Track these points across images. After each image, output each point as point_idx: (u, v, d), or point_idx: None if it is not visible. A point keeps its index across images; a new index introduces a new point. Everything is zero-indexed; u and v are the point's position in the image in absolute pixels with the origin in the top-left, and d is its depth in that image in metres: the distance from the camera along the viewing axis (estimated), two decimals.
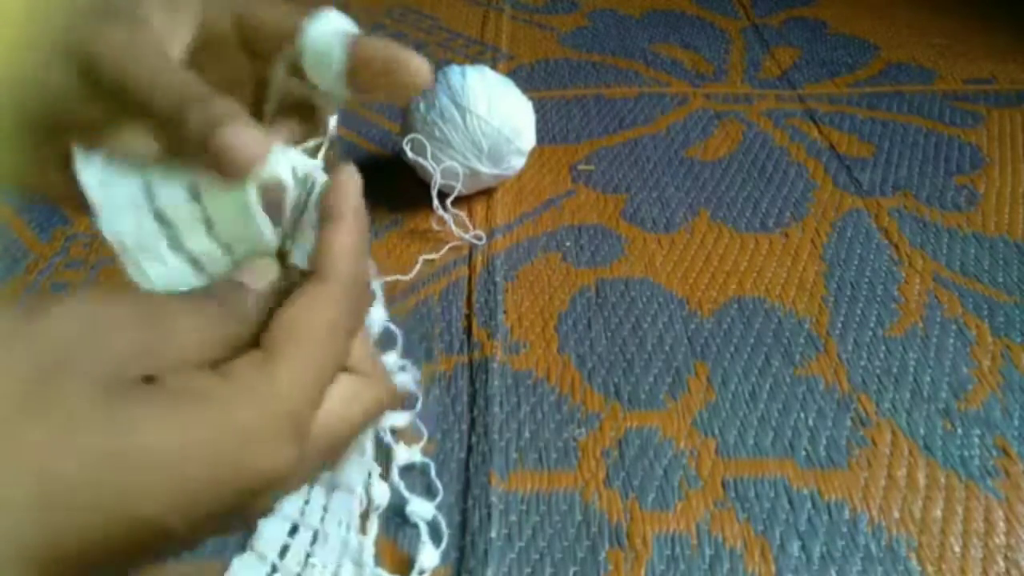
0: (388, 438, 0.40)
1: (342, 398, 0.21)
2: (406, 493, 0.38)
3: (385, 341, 0.33)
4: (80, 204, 0.22)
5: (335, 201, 0.21)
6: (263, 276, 0.21)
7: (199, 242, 0.21)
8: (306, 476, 0.21)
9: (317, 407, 0.20)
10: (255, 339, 0.19)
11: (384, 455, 0.40)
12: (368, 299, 0.22)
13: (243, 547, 0.35)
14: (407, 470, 0.40)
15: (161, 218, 0.20)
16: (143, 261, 0.20)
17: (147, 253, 0.20)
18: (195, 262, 0.21)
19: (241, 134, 0.19)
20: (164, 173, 0.20)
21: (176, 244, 0.20)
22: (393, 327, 0.35)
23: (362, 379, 0.22)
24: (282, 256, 0.22)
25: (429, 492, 0.39)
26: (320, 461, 0.21)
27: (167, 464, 0.16)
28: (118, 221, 0.20)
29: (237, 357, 0.19)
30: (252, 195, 0.20)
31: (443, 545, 0.36)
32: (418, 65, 0.22)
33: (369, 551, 0.35)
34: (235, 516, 0.19)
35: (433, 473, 0.39)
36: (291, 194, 0.21)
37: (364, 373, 0.22)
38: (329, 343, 0.20)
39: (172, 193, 0.20)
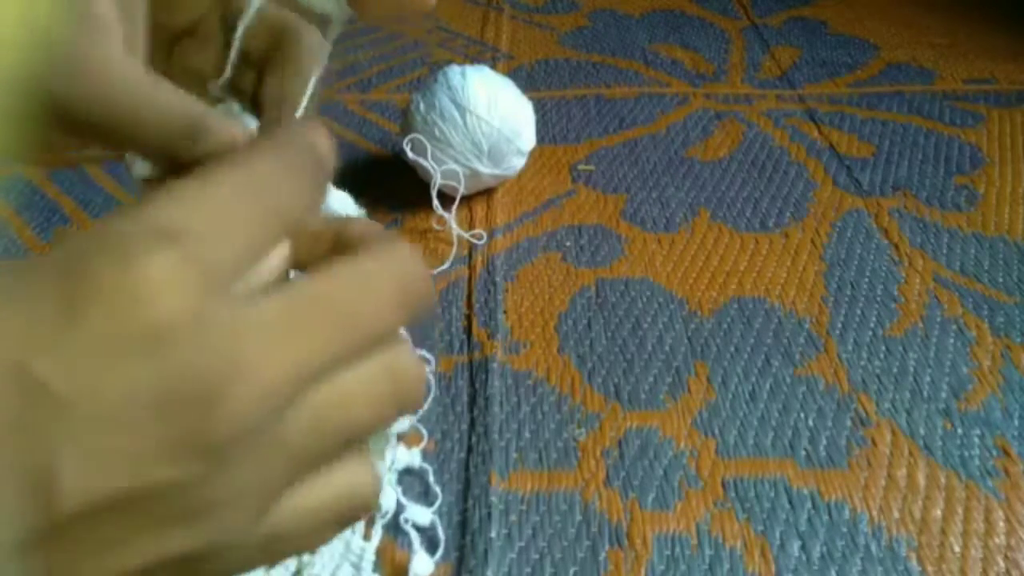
0: (392, 441, 0.40)
1: (343, 267, 0.16)
2: (403, 499, 0.38)
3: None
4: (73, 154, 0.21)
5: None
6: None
7: None
8: (287, 365, 0.15)
9: (231, 250, 0.15)
10: None
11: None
12: (331, 160, 0.18)
13: None
14: (405, 474, 0.39)
15: None
16: None
17: None
18: None
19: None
20: None
21: None
22: None
23: (370, 255, 0.17)
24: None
25: (427, 496, 0.39)
26: (318, 342, 0.15)
27: (15, 308, 0.13)
28: None
29: None
30: None
31: (440, 552, 0.36)
32: None
33: (369, 557, 0.35)
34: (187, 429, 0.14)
35: (431, 478, 0.39)
36: None
37: (364, 243, 0.18)
38: (259, 184, 0.16)
39: None
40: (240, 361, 0.14)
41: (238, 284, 0.15)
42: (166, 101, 0.18)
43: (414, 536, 0.36)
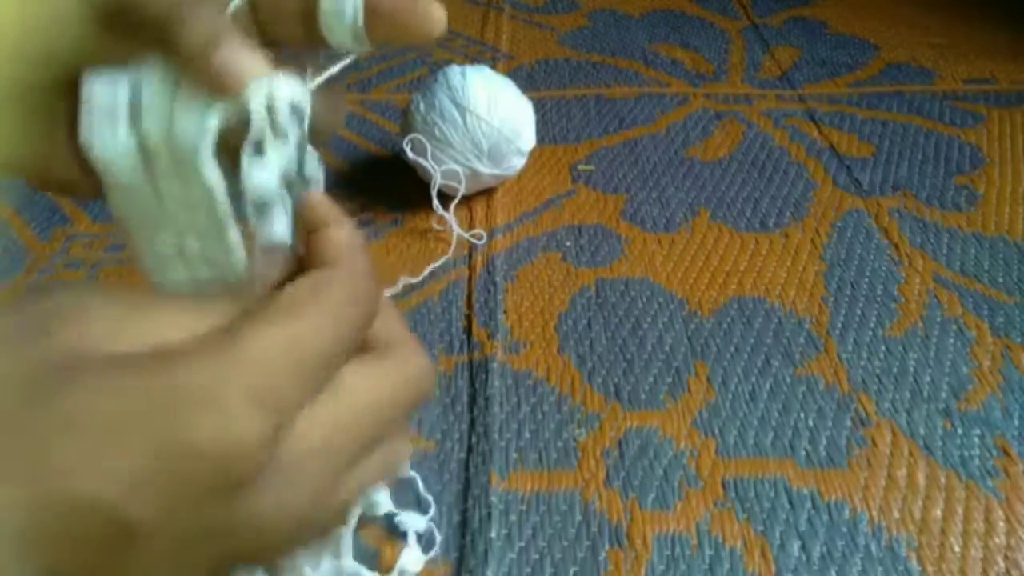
0: None
1: (354, 385, 0.18)
2: (394, 508, 0.37)
3: None
4: (81, 190, 0.22)
5: (320, 209, 0.20)
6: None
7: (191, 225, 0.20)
8: (316, 477, 0.17)
9: (300, 388, 0.17)
10: None
11: None
12: (377, 294, 0.20)
13: None
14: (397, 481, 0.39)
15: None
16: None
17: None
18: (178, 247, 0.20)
19: (240, 54, 0.18)
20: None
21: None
22: None
23: (384, 356, 0.19)
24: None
25: (419, 505, 0.38)
26: (333, 458, 0.18)
27: (110, 440, 0.14)
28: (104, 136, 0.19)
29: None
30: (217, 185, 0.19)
31: (434, 551, 0.36)
32: (428, 9, 0.20)
33: (348, 541, 0.35)
34: (219, 524, 0.16)
35: (422, 487, 0.38)
36: (286, 125, 0.20)
37: (388, 346, 0.20)
38: (318, 318, 0.17)
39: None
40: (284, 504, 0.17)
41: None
42: None
43: (411, 533, 0.36)
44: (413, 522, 0.37)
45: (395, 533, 0.37)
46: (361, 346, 0.19)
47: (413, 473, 0.39)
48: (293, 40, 0.22)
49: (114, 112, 0.19)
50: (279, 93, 0.19)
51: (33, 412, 0.14)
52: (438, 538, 0.37)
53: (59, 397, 0.15)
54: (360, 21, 0.20)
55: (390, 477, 0.21)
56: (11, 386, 0.15)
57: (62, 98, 0.20)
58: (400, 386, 0.19)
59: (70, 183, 0.22)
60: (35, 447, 0.14)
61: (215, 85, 0.18)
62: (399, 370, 0.20)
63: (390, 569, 0.35)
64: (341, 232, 0.20)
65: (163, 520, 0.15)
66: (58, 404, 0.14)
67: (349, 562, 0.34)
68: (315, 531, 0.19)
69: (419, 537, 0.36)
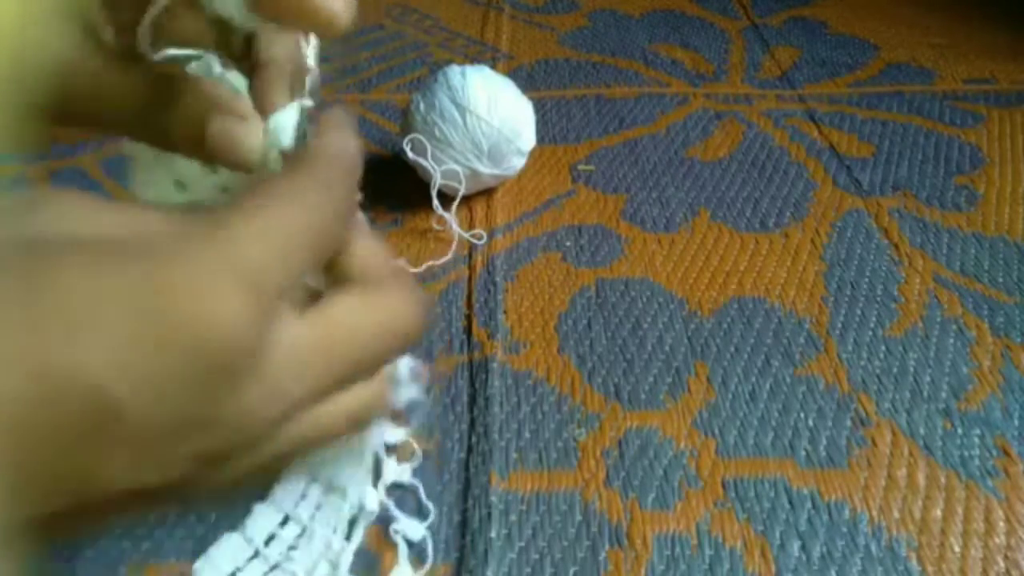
0: (381, 452, 0.40)
1: (347, 308, 0.19)
2: (396, 512, 0.37)
3: None
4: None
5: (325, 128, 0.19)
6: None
7: (187, 166, 0.20)
8: (294, 390, 0.17)
9: (287, 275, 0.17)
10: None
11: (376, 469, 0.39)
12: (353, 180, 0.20)
13: (234, 528, 0.36)
14: (395, 488, 0.39)
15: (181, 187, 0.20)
16: (137, 171, 0.20)
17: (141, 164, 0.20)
18: (179, 183, 0.21)
19: (232, 128, 0.19)
20: None
21: (165, 161, 0.20)
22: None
23: (373, 288, 0.19)
24: None
25: (420, 512, 0.38)
26: (319, 378, 0.18)
27: (96, 319, 0.14)
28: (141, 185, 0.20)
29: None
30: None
31: (427, 565, 0.36)
32: (326, 5, 0.19)
33: (347, 558, 0.35)
34: (205, 415, 0.16)
35: (423, 495, 0.38)
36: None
37: (376, 281, 0.20)
38: (304, 209, 0.17)
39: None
40: (275, 387, 0.17)
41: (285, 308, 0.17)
42: (129, 82, 0.19)
43: (402, 547, 0.36)
44: (410, 530, 0.36)
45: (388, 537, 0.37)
46: (350, 277, 0.20)
47: (415, 481, 0.39)
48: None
49: None
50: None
51: (12, 289, 0.14)
52: (431, 551, 0.36)
53: (41, 275, 0.14)
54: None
55: (356, 430, 0.21)
56: None
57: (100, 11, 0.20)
58: (385, 323, 0.19)
59: (93, 111, 0.21)
60: (14, 324, 0.13)
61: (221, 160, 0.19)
62: (385, 305, 0.19)
63: None
64: (329, 136, 0.19)
65: (148, 404, 0.14)
66: (40, 281, 0.14)
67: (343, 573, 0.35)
68: (282, 455, 0.19)
69: (411, 546, 0.36)
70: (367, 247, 0.20)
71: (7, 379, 0.13)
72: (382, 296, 0.19)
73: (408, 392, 0.37)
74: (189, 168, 0.20)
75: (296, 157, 0.18)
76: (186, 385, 0.15)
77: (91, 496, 0.15)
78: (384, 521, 0.37)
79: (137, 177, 0.20)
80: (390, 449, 0.40)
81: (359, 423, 0.20)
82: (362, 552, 0.36)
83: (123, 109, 0.20)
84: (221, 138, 0.19)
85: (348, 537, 0.36)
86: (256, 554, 0.35)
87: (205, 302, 0.15)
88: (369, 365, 0.19)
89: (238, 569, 0.35)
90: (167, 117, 0.19)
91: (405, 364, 0.34)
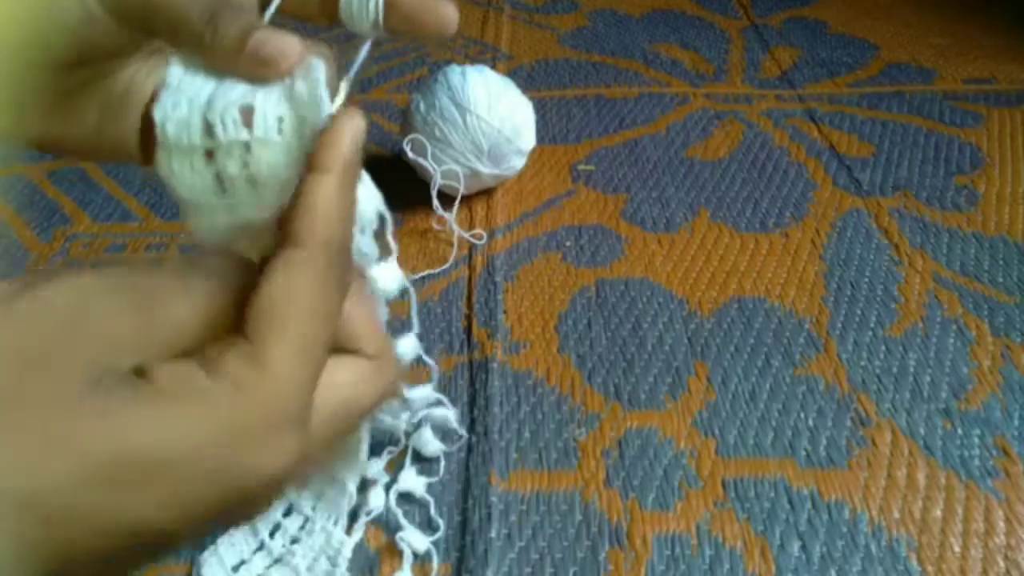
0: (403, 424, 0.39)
1: (349, 383, 0.20)
2: (403, 520, 0.37)
3: (399, 328, 0.31)
4: (84, 152, 0.23)
5: (323, 149, 0.19)
6: (259, 240, 0.20)
7: (232, 166, 0.20)
8: (309, 465, 0.20)
9: (312, 391, 0.19)
10: (240, 312, 0.18)
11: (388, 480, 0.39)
12: (351, 265, 0.21)
13: None
14: (405, 499, 0.38)
15: (209, 129, 0.20)
16: (174, 158, 0.20)
17: (180, 152, 0.20)
18: (220, 183, 0.21)
19: (277, 37, 0.19)
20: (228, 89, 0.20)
21: (209, 159, 0.20)
22: (411, 289, 0.29)
23: (369, 361, 0.21)
24: None
25: (429, 526, 0.37)
26: (324, 449, 0.20)
27: (162, 469, 0.16)
28: (169, 106, 0.20)
29: (225, 347, 0.18)
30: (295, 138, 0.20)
31: None
32: (442, 13, 0.22)
33: (346, 554, 0.35)
34: (238, 514, 0.18)
35: (432, 510, 0.38)
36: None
37: (371, 353, 0.21)
38: (316, 320, 0.18)
39: (228, 107, 0.20)
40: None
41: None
42: None
43: (407, 554, 0.35)
44: (416, 541, 0.36)
45: (396, 528, 0.37)
46: (349, 345, 0.21)
47: (427, 496, 0.38)
48: (311, 20, 0.23)
49: (189, 99, 0.20)
50: (317, 74, 0.20)
51: (100, 442, 0.16)
52: (435, 564, 0.36)
53: (123, 434, 0.16)
54: (381, 15, 0.22)
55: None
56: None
57: (78, 75, 0.22)
58: (379, 390, 0.21)
59: (90, 148, 0.23)
60: (102, 477, 0.15)
61: (266, 71, 0.19)
62: (379, 378, 0.21)
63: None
64: (325, 192, 0.19)
65: (198, 525, 0.17)
66: (128, 442, 0.16)
67: (342, 571, 0.35)
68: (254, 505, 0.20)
69: (416, 556, 0.36)
70: (363, 316, 0.21)
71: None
72: (377, 368, 0.21)
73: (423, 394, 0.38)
74: (235, 171, 0.20)
75: (300, 243, 0.19)
76: (234, 508, 0.18)
77: None
78: (390, 527, 0.37)
79: (172, 163, 0.21)
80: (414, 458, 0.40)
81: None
82: (363, 553, 0.36)
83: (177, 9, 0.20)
84: (263, 44, 0.19)
85: (348, 532, 0.36)
86: (261, 546, 0.35)
87: (258, 452, 0.17)
88: (356, 423, 0.21)
89: (243, 562, 0.35)
90: (214, 24, 0.20)
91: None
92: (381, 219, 0.23)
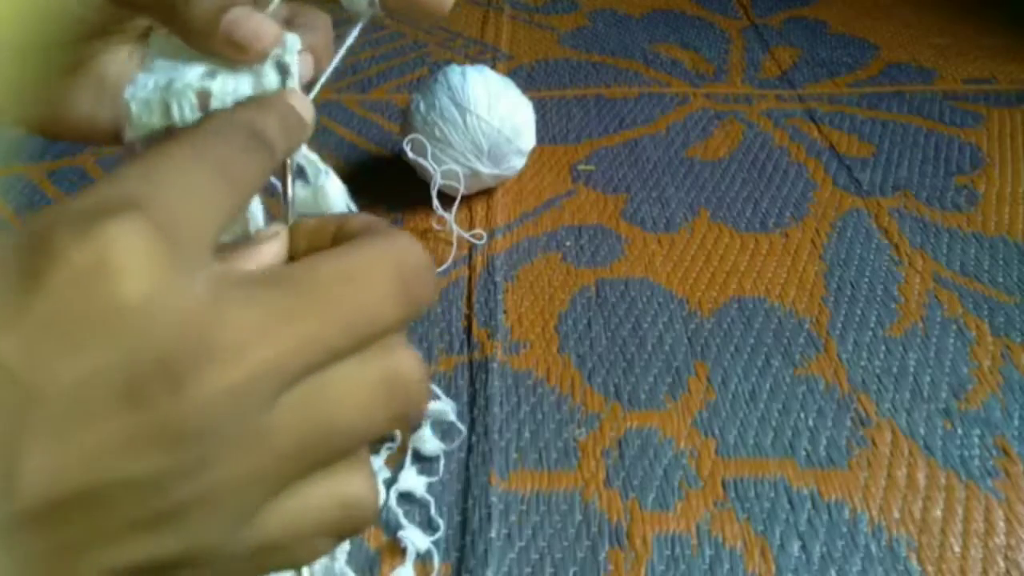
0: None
1: (320, 258, 0.16)
2: (404, 520, 0.37)
3: None
4: (81, 135, 0.23)
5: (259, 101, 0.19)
6: None
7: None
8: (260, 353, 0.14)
9: (195, 216, 0.14)
10: None
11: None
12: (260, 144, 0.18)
13: None
14: (406, 499, 0.38)
15: (167, 111, 0.20)
16: (138, 138, 0.20)
17: (142, 131, 0.20)
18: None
19: (252, 19, 0.19)
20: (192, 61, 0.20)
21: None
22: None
23: (360, 239, 0.17)
24: None
25: (430, 526, 0.37)
26: (286, 339, 0.14)
27: None
28: (139, 85, 0.20)
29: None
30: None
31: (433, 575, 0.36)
32: None
33: (345, 546, 0.35)
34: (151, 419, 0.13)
35: (433, 510, 0.38)
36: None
37: (363, 230, 0.17)
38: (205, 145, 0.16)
39: (186, 89, 0.20)
40: (214, 344, 0.13)
41: (213, 262, 0.14)
42: None
43: (410, 550, 0.36)
44: (416, 540, 0.36)
45: (397, 527, 0.37)
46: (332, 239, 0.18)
47: (427, 496, 0.38)
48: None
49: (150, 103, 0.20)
50: (290, 56, 0.20)
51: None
52: (436, 563, 0.36)
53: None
54: None
55: (343, 529, 0.17)
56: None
57: (71, 54, 0.21)
58: (381, 278, 0.16)
59: (85, 131, 0.23)
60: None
61: (239, 50, 0.19)
62: (378, 255, 0.16)
63: None
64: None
65: (46, 369, 0.13)
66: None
67: (341, 565, 0.35)
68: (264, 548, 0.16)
69: (416, 555, 0.36)
70: (362, 216, 0.19)
71: None
72: (381, 242, 0.16)
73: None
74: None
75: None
76: (109, 368, 0.12)
77: None
78: (390, 526, 0.37)
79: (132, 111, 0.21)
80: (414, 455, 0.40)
81: (344, 530, 0.17)
82: (363, 552, 0.36)
83: None
84: (237, 25, 0.19)
85: None
86: None
87: (86, 240, 0.13)
88: (373, 324, 0.15)
89: None
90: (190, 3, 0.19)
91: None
92: (349, 212, 0.23)
